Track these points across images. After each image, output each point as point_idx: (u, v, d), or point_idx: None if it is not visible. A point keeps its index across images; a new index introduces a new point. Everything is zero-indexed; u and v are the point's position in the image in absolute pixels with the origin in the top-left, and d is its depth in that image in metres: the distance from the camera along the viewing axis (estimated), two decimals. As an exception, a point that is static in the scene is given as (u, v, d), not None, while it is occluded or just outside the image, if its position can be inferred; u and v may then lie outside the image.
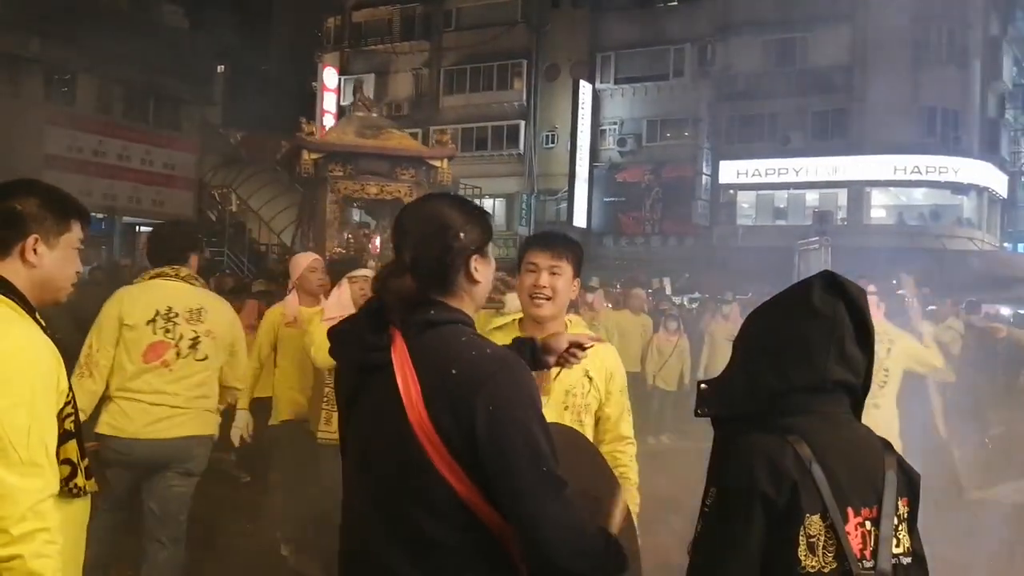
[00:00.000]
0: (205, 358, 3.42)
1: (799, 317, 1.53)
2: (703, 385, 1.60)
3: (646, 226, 24.71)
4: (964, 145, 22.52)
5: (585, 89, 24.98)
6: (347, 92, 27.16)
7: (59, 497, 1.71)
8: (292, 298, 4.53)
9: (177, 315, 3.37)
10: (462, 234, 1.60)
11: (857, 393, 1.57)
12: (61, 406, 1.73)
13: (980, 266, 18.85)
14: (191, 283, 3.47)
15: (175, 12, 21.98)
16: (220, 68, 22.93)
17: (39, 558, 1.59)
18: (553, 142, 26.10)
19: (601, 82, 25.60)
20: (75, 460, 1.77)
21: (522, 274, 2.54)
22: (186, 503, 3.46)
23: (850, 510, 1.47)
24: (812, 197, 23.80)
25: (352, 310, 3.55)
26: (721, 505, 1.47)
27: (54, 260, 1.82)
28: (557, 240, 2.59)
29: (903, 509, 1.55)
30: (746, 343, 1.59)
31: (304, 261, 4.66)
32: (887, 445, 1.59)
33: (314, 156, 6.13)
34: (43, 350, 1.72)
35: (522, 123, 26.39)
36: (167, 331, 3.36)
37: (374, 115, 7.41)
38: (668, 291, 16.67)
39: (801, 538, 1.43)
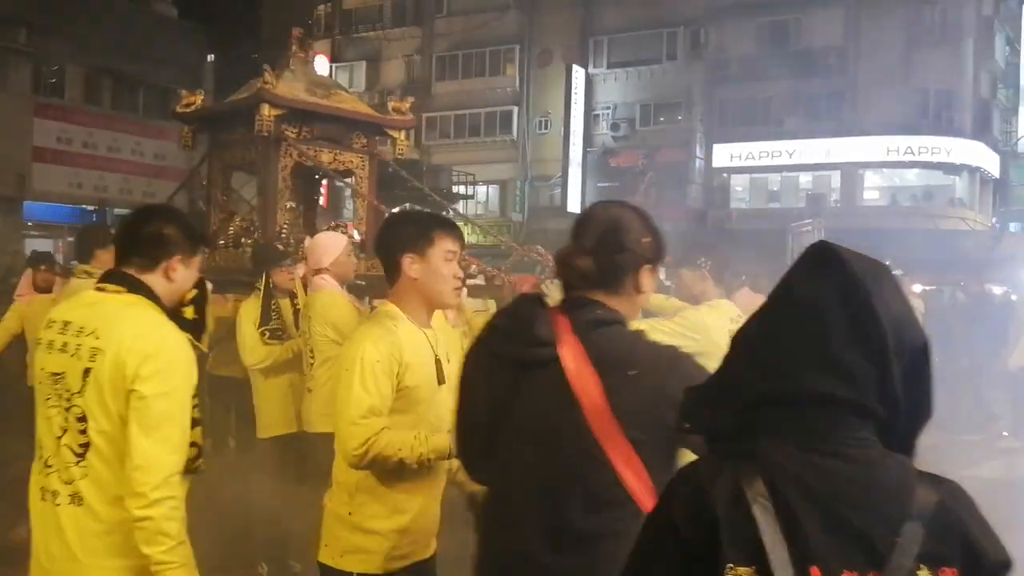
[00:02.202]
0: None
1: (774, 307, 1.14)
2: (688, 392, 1.23)
3: (640, 210, 24.68)
4: (957, 125, 22.54)
5: (578, 74, 24.90)
6: (339, 80, 27.04)
7: (182, 474, 2.01)
8: (335, 286, 3.95)
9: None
10: (643, 240, 1.66)
11: (870, 412, 1.08)
12: (191, 396, 2.04)
13: (972, 246, 18.91)
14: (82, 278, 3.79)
15: (164, 1, 21.80)
16: (210, 57, 22.75)
17: (167, 520, 1.89)
18: (546, 127, 26.03)
19: (594, 67, 25.52)
20: (199, 443, 2.07)
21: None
22: None
23: (815, 571, 1.01)
24: (805, 179, 23.83)
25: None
26: (640, 533, 1.16)
27: (185, 276, 2.16)
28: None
29: None
30: (732, 342, 1.21)
31: (340, 243, 4.07)
32: (935, 492, 1.06)
33: (274, 112, 5.24)
34: (188, 350, 2.06)
35: (515, 109, 26.31)
36: None
37: (314, 70, 6.34)
38: (663, 275, 16.66)
39: None
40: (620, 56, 25.33)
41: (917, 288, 8.32)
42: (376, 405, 2.13)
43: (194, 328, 3.49)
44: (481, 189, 25.62)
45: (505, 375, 1.65)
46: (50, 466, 2.02)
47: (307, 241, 4.55)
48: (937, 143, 22.22)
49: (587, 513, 1.54)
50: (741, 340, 1.18)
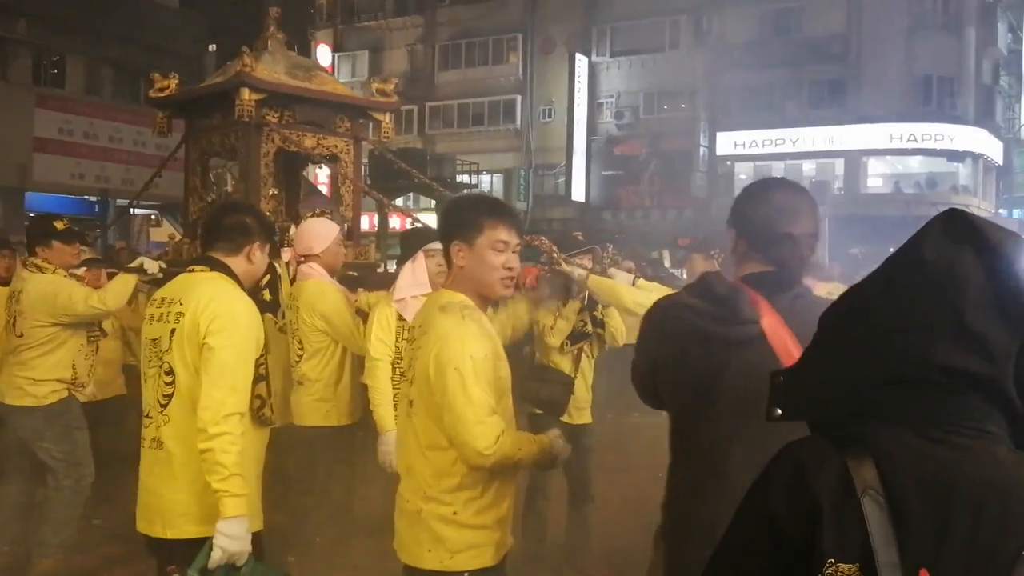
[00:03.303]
0: (21, 335, 3.96)
1: (902, 276, 1.00)
2: (780, 377, 1.10)
3: (645, 199, 24.64)
4: (960, 112, 22.45)
5: (581, 62, 24.79)
6: (342, 70, 26.94)
7: (250, 421, 2.39)
8: (324, 275, 3.82)
9: (10, 296, 4.05)
10: (815, 223, 1.81)
11: (1003, 397, 0.95)
12: (258, 355, 2.41)
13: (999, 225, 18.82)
14: (31, 269, 4.02)
15: (164, -10, 21.73)
16: (211, 47, 22.69)
17: (223, 453, 2.22)
18: (550, 116, 25.94)
19: (597, 55, 25.41)
20: (264, 396, 2.44)
21: None
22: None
23: (924, 574, 0.91)
24: (809, 167, 23.75)
25: (428, 288, 3.33)
26: (732, 521, 1.07)
27: (261, 260, 2.54)
28: None
29: None
30: (833, 316, 1.08)
31: (331, 231, 3.91)
32: None
33: (255, 96, 5.06)
34: (255, 314, 2.44)
35: (518, 98, 26.21)
36: (8, 312, 4.06)
37: (292, 52, 6.08)
38: (667, 263, 16.66)
39: None
40: (623, 44, 25.22)
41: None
42: (492, 403, 2.08)
43: (271, 307, 3.73)
44: (485, 178, 25.57)
45: (712, 354, 1.69)
46: (150, 417, 2.41)
47: (292, 228, 4.41)
48: (940, 130, 22.13)
49: None
50: (847, 316, 1.05)
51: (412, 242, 3.65)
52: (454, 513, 2.11)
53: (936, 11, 22.32)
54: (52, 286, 3.91)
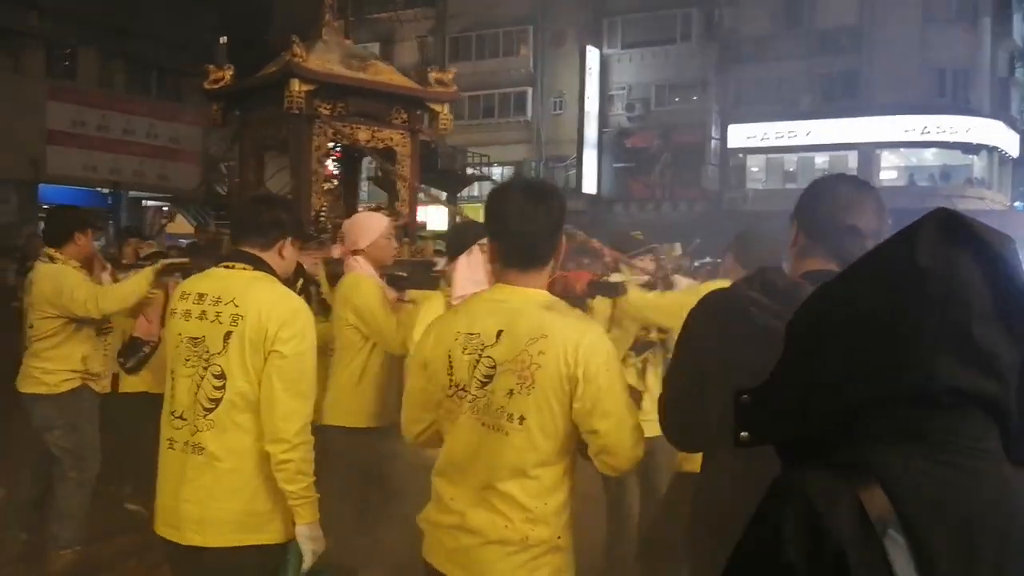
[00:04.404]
0: (31, 326, 4.04)
1: (894, 283, 0.89)
2: (744, 396, 1.00)
3: (656, 191, 24.58)
4: (974, 104, 22.27)
5: (592, 54, 24.71)
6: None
7: None
8: (367, 269, 3.60)
9: (26, 288, 4.08)
10: (881, 221, 1.76)
11: (1005, 414, 0.88)
12: None
13: (990, 225, 18.69)
14: (43, 260, 4.04)
15: (175, -17, 21.74)
16: (222, 39, 22.72)
17: (305, 461, 2.24)
18: (561, 108, 25.87)
19: (608, 47, 25.31)
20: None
21: None
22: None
23: None
24: (822, 160, 23.61)
25: (487, 285, 2.99)
26: (731, 567, 0.93)
27: (293, 255, 2.51)
28: None
29: None
30: (808, 327, 0.96)
31: (379, 224, 3.71)
32: None
33: (305, 87, 4.81)
34: (312, 315, 2.39)
35: (529, 90, 26.16)
36: (25, 303, 4.09)
37: (348, 41, 5.70)
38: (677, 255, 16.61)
39: None
40: (634, 36, 25.11)
41: None
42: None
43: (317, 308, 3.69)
44: (496, 171, 25.56)
45: (775, 351, 1.66)
46: (184, 419, 2.30)
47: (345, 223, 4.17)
48: (954, 122, 21.95)
49: None
50: (829, 326, 0.93)
51: (463, 237, 3.37)
52: (558, 537, 1.90)
53: (951, 2, 22.12)
54: (57, 280, 3.91)
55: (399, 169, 5.39)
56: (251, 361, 2.23)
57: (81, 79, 19.60)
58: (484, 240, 3.06)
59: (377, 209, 4.28)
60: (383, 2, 28.13)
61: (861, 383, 0.89)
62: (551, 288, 2.03)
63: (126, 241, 6.02)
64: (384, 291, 3.63)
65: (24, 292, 4.14)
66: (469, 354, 1.91)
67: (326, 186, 5.19)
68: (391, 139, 5.35)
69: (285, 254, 2.46)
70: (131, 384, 4.83)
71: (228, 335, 2.25)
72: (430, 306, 3.29)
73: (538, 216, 1.92)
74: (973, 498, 0.84)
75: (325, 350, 3.73)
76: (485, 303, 1.98)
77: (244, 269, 2.37)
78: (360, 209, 4.67)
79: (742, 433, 0.99)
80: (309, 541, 2.26)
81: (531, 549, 1.88)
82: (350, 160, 5.85)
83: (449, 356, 1.94)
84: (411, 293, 3.75)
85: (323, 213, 4.97)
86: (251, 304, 2.26)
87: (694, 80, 24.20)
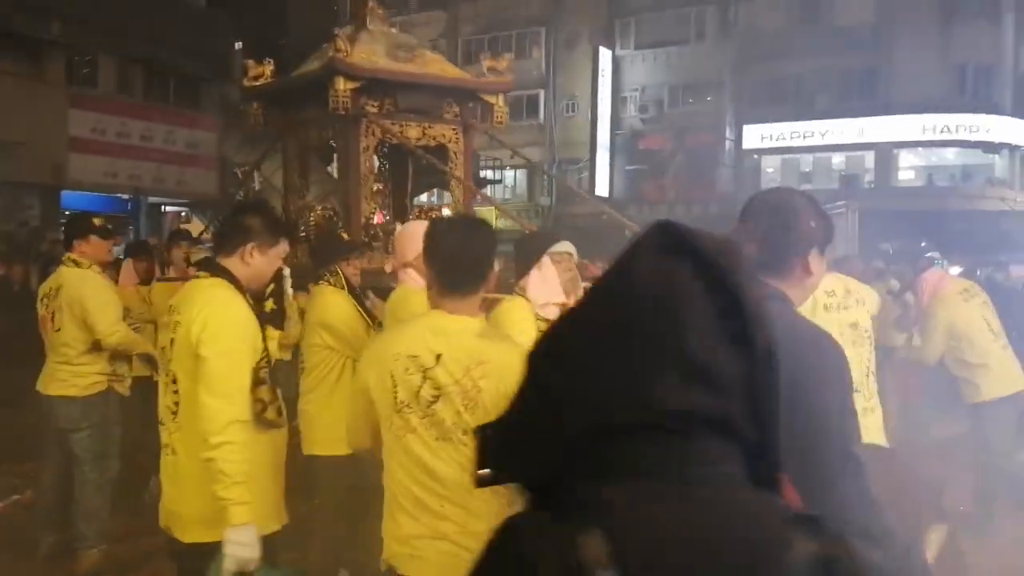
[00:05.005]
0: (59, 329, 4.08)
1: (611, 301, 0.83)
2: (487, 430, 0.90)
3: (669, 193, 24.49)
4: (996, 102, 22.00)
5: (605, 56, 24.67)
6: (365, 66, 27.05)
7: (254, 425, 2.37)
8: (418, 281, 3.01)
9: (48, 293, 4.13)
10: (811, 224, 1.85)
11: (735, 432, 0.80)
12: (257, 360, 2.40)
13: (1012, 226, 18.50)
14: (68, 264, 4.13)
15: (191, -10, 21.95)
16: (238, 45, 22.90)
17: (226, 462, 2.23)
18: (573, 110, 25.86)
19: (621, 48, 25.27)
20: (265, 400, 2.40)
21: None
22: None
23: None
24: (838, 160, 23.45)
25: (563, 296, 2.99)
26: None
27: (262, 263, 2.48)
28: None
29: None
30: (538, 356, 0.87)
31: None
32: (800, 530, 0.76)
33: (351, 85, 4.45)
34: (249, 320, 2.43)
35: (541, 92, 26.17)
36: (46, 307, 4.14)
37: (394, 30, 5.24)
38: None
39: None
40: (648, 37, 25.05)
41: (955, 270, 7.97)
42: None
43: (273, 318, 3.62)
44: (508, 174, 25.57)
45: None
46: (163, 423, 2.47)
47: (397, 230, 3.88)
48: (975, 121, 21.70)
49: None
50: (552, 353, 0.85)
51: (531, 247, 3.22)
52: None
53: (971, -2, 21.90)
54: (85, 299, 4.01)
55: (452, 168, 4.96)
56: (187, 364, 2.35)
57: (101, 87, 19.81)
58: (554, 249, 3.11)
59: (427, 214, 4.01)
60: (395, 5, 28.22)
61: (578, 412, 0.80)
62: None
63: (176, 244, 5.77)
64: None
65: (45, 296, 4.18)
66: (411, 375, 2.05)
67: (376, 187, 4.88)
68: (443, 135, 4.92)
69: (248, 260, 2.46)
70: None
71: (172, 342, 2.40)
72: (516, 309, 3.02)
73: (471, 248, 2.11)
74: (698, 534, 0.75)
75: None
76: (422, 328, 2.12)
77: (204, 277, 2.48)
78: (411, 216, 4.41)
79: (483, 471, 0.87)
80: (233, 546, 2.21)
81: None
82: (397, 159, 5.38)
83: (392, 377, 2.06)
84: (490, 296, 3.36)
85: (372, 218, 4.66)
86: (186, 310, 2.39)
87: (708, 80, 24.10)
